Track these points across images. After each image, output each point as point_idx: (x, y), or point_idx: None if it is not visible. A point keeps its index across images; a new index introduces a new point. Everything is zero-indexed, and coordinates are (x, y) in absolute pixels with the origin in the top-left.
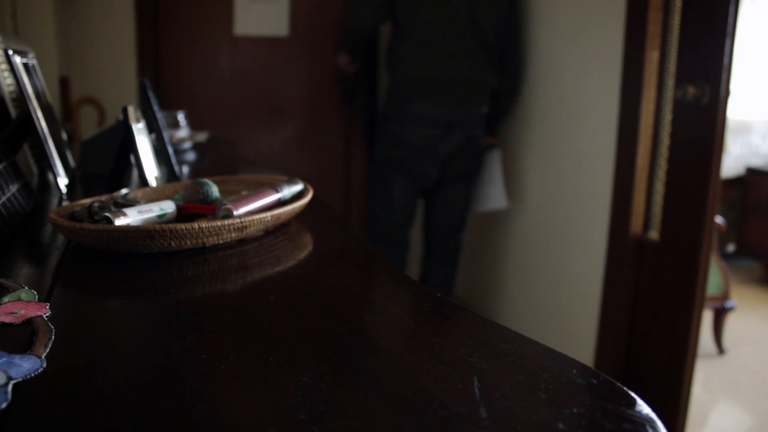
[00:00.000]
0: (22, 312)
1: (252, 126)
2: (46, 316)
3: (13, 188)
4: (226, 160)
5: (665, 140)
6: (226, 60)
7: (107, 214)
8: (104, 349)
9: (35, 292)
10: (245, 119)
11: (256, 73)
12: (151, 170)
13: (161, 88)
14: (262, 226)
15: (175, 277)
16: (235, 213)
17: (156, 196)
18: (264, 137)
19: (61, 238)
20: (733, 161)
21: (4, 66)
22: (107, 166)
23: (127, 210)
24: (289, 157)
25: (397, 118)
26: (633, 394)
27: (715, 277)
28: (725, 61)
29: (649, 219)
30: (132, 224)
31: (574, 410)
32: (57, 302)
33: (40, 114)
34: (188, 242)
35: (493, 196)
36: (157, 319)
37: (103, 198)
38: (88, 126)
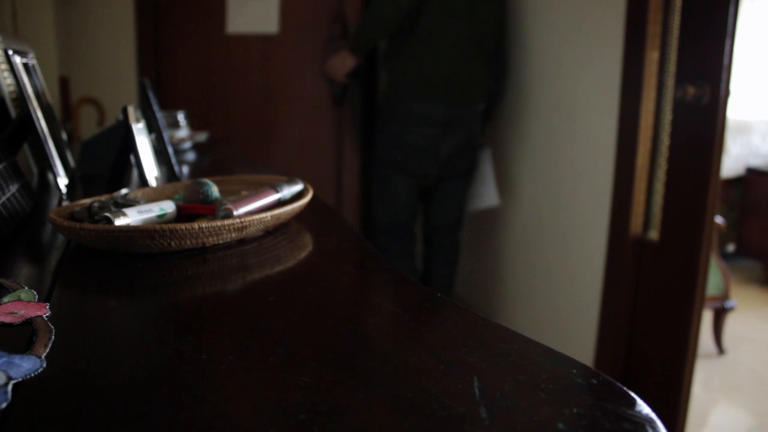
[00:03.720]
0: (22, 312)
1: (250, 126)
2: (46, 316)
3: (13, 188)
4: (226, 160)
5: (665, 140)
6: (225, 59)
7: (107, 214)
8: (104, 349)
9: (35, 292)
10: (244, 118)
11: (254, 72)
12: (151, 170)
13: (161, 88)
14: (262, 226)
15: (175, 277)
16: (235, 213)
17: (156, 196)
18: (262, 137)
19: (61, 238)
20: (733, 161)
21: (4, 66)
22: (107, 166)
23: (127, 210)
24: (286, 157)
25: (398, 118)
26: (633, 394)
27: (715, 277)
28: (725, 61)
29: (649, 219)
30: (132, 224)
31: (574, 410)
32: (57, 302)
33: (40, 114)
34: (188, 242)
35: (486, 194)
36: (157, 319)
37: (103, 198)
38: (88, 126)
